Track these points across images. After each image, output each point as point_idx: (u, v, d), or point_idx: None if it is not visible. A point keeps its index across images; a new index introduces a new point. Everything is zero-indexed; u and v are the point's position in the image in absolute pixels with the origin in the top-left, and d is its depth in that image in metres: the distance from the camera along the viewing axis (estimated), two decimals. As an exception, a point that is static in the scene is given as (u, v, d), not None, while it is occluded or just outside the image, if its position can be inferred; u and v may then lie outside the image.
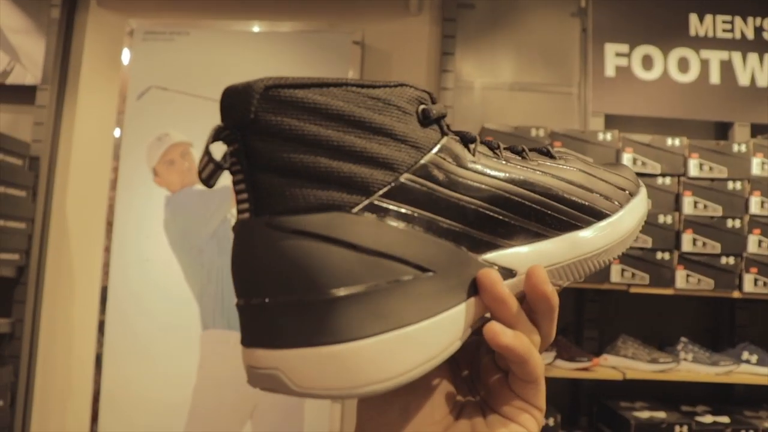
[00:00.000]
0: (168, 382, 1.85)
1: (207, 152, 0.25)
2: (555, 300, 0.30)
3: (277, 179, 0.25)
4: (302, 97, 0.25)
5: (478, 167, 0.30)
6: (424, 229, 0.27)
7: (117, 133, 1.95)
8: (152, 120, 1.95)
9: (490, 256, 0.30)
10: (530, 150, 0.35)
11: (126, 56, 1.98)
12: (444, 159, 0.29)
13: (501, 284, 0.29)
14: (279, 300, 0.24)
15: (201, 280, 1.88)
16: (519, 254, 0.31)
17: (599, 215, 0.35)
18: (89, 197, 2.01)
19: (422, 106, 0.29)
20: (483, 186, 0.30)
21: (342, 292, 0.24)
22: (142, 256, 1.90)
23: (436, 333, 0.26)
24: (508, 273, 0.30)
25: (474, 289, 0.29)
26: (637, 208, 0.38)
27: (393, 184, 0.26)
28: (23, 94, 2.01)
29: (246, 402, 1.82)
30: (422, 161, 0.28)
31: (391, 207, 0.26)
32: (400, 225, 0.26)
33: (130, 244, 1.91)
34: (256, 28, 1.98)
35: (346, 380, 0.24)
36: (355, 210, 0.25)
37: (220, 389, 1.84)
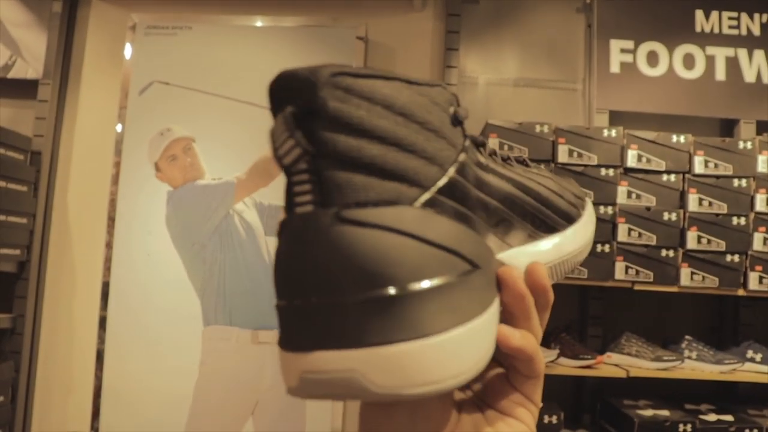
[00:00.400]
0: (170, 378, 1.84)
1: (293, 136, 0.24)
2: (552, 294, 0.32)
3: (344, 170, 0.24)
4: (370, 87, 0.24)
5: (489, 169, 0.32)
6: (466, 225, 0.27)
7: (119, 128, 1.94)
8: (154, 115, 1.94)
9: (502, 255, 0.32)
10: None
11: (128, 51, 1.97)
12: (470, 159, 0.30)
13: (522, 280, 0.30)
14: (353, 296, 0.23)
15: (203, 275, 1.87)
16: (520, 253, 0.33)
17: (571, 220, 0.38)
18: (91, 192, 2.00)
19: (452, 108, 0.29)
20: (495, 187, 0.32)
21: (422, 286, 0.23)
22: (144, 252, 1.89)
23: (491, 325, 0.27)
24: None
25: (498, 285, 0.30)
26: (592, 214, 0.42)
27: (444, 181, 0.26)
28: (25, 89, 2.00)
29: (247, 399, 1.82)
30: (459, 160, 0.28)
31: (444, 202, 0.26)
32: (452, 220, 0.26)
33: (132, 240, 1.90)
34: (259, 23, 1.97)
35: (427, 376, 0.23)
36: (417, 204, 0.25)
37: (221, 385, 1.83)
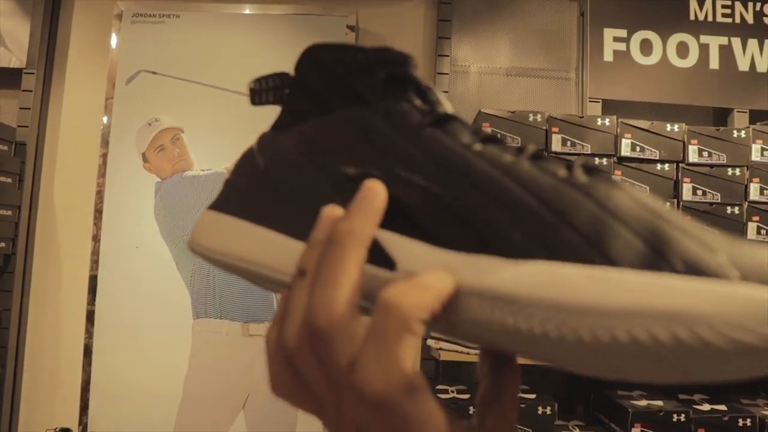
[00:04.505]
0: (159, 372, 1.82)
1: None
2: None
3: None
4: None
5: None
6: None
7: (105, 118, 1.91)
8: (142, 105, 1.90)
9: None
10: None
11: (114, 39, 1.93)
12: None
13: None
14: None
15: (192, 268, 1.84)
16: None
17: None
18: (77, 184, 1.97)
19: None
20: None
21: None
22: (132, 244, 1.86)
23: None
24: None
25: None
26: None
27: None
28: (8, 78, 1.96)
29: (238, 392, 1.80)
30: None
31: None
32: None
33: (120, 232, 1.87)
34: (247, 11, 1.93)
35: None
36: None
37: (212, 379, 1.81)
